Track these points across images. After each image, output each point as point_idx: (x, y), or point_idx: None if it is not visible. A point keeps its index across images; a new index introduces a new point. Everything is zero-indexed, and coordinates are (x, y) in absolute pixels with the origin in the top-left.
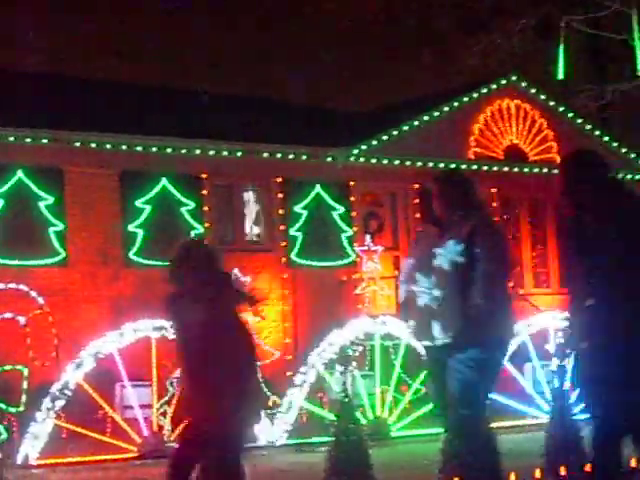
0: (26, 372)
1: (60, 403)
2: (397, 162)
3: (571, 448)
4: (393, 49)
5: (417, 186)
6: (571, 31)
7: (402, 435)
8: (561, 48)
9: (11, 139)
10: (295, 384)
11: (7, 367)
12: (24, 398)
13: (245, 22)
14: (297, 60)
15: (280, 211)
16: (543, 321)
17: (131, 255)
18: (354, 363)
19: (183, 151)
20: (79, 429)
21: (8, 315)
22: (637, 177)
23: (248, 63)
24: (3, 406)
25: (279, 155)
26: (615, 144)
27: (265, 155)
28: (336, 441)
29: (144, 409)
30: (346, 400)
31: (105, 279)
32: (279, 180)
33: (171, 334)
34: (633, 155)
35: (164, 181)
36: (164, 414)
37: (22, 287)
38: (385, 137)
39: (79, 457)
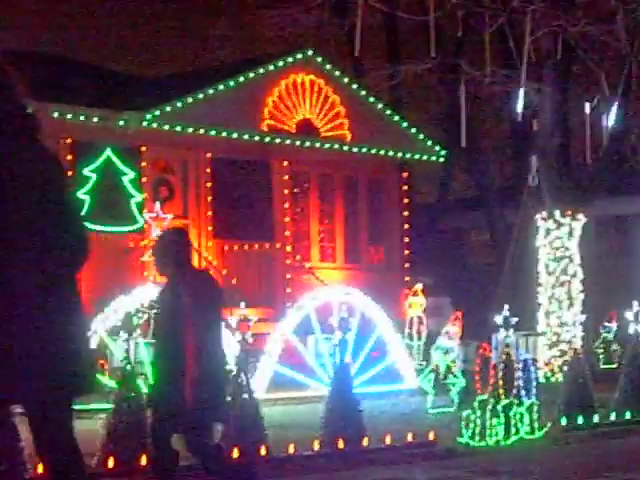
0: None
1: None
2: (190, 130)
3: (349, 421)
4: (192, 16)
5: (209, 155)
6: (369, 10)
7: None
8: (358, 26)
9: None
10: None
11: None
12: None
13: None
14: (95, 22)
15: (69, 173)
16: (327, 295)
17: None
18: (138, 331)
19: None
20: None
21: None
22: (424, 158)
23: (46, 19)
24: None
25: (69, 116)
26: (405, 124)
27: (55, 115)
28: (115, 408)
29: None
30: (128, 368)
31: None
32: (68, 141)
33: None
34: (421, 136)
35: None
36: None
37: None
38: (179, 104)
39: None
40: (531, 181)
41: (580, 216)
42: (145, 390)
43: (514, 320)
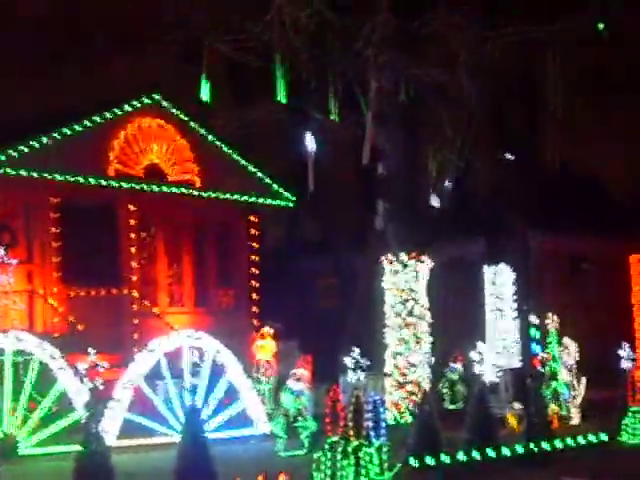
0: None
1: None
2: (35, 174)
3: (201, 466)
4: (42, 56)
5: (56, 200)
6: (216, 55)
7: (32, 453)
8: (204, 71)
9: None
10: None
11: None
12: None
13: None
14: None
15: None
16: (176, 340)
17: None
18: None
19: None
20: None
21: None
22: (273, 202)
23: None
24: None
25: None
26: (253, 169)
27: None
28: None
29: None
30: None
31: None
32: None
33: None
34: (269, 181)
35: None
36: None
37: None
38: (24, 147)
39: None
40: (377, 224)
41: (425, 258)
42: None
43: (364, 362)
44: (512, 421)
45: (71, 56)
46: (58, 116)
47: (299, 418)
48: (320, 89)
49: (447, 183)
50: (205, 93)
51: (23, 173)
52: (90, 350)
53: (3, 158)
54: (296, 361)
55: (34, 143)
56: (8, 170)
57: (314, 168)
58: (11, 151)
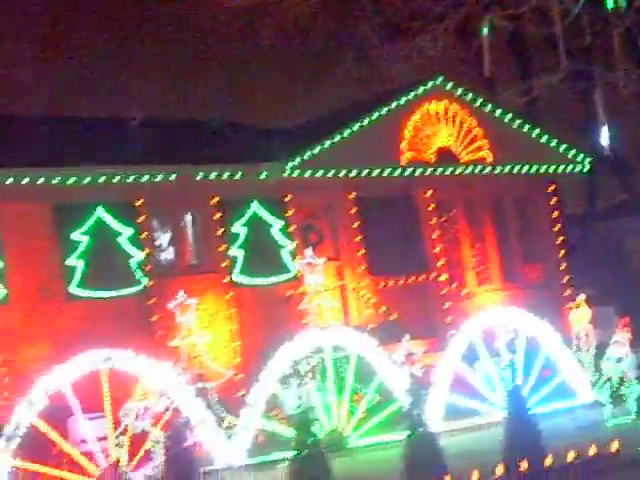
0: None
1: (15, 442)
2: (331, 173)
3: (529, 442)
4: (317, 62)
5: (353, 195)
6: (493, 29)
7: (360, 444)
8: (485, 47)
9: None
10: (249, 402)
11: None
12: None
13: (157, 42)
14: (219, 79)
15: (219, 232)
16: (489, 318)
17: (72, 289)
18: (307, 376)
19: (116, 179)
20: (36, 467)
21: None
22: (568, 170)
23: (167, 84)
24: None
25: (213, 175)
26: (545, 137)
27: (199, 177)
28: (295, 456)
29: (100, 441)
30: (302, 414)
31: (47, 314)
32: (215, 200)
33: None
34: (564, 147)
35: (100, 211)
36: (120, 445)
37: None
38: (317, 149)
39: None
40: None
41: None
42: (320, 435)
43: None
44: None
45: (344, 52)
46: (343, 114)
47: (623, 384)
48: (603, 48)
49: None
50: (487, 69)
51: (320, 174)
52: (405, 338)
53: (299, 162)
54: (614, 326)
55: (326, 144)
56: (307, 173)
57: (607, 128)
58: (307, 155)
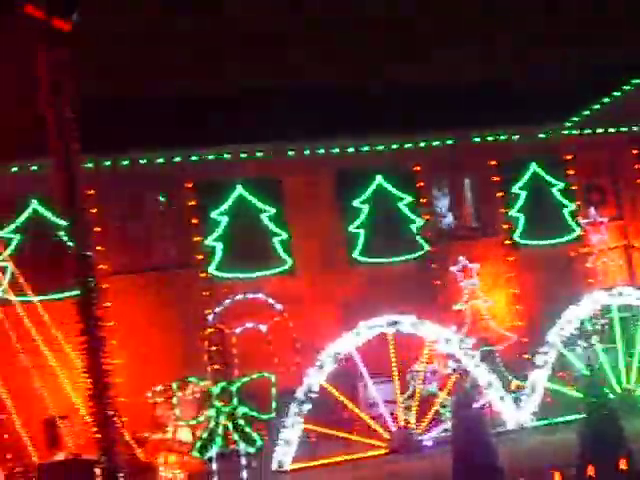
0: (274, 379)
1: (306, 407)
2: (612, 129)
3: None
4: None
5: (635, 151)
6: None
7: None
8: None
9: (228, 156)
10: (537, 365)
11: (256, 375)
12: (274, 405)
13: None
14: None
15: (498, 194)
16: None
17: (355, 255)
18: (595, 337)
19: (394, 146)
20: (327, 431)
21: (250, 325)
22: None
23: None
24: (255, 414)
25: (490, 138)
26: None
27: (477, 140)
28: (586, 417)
29: (388, 405)
30: (592, 376)
31: (332, 282)
32: (494, 163)
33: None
34: None
35: (379, 179)
36: (409, 408)
37: (261, 296)
38: (596, 106)
39: (330, 458)
40: None
41: None
42: (611, 396)
43: None
44: None
45: None
46: (617, 69)
47: None
48: None
49: None
50: None
51: (599, 131)
52: None
53: (577, 120)
54: None
55: (604, 99)
56: (586, 131)
57: None
58: (585, 111)
